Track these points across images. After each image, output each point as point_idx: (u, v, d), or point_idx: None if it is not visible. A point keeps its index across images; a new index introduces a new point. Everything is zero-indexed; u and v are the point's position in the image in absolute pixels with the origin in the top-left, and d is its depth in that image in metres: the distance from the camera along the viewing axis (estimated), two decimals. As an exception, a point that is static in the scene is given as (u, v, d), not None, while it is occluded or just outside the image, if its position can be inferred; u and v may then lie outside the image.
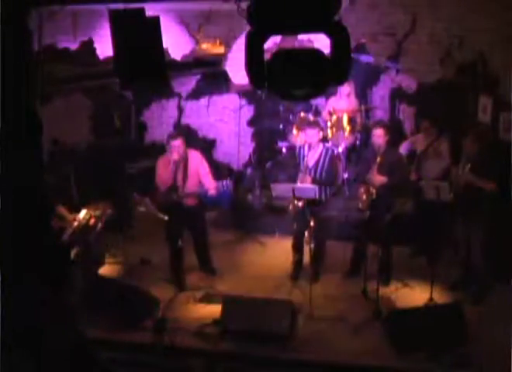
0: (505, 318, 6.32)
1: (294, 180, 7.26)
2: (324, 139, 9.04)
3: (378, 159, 7.07)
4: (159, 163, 7.45)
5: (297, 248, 7.58)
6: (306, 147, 7.32)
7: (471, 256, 6.97)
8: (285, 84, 4.36)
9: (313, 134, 7.23)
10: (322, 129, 7.72)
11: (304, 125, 7.39)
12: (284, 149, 9.24)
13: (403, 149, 7.95)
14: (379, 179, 7.07)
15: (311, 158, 7.28)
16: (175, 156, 7.19)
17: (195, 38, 8.79)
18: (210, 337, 6.47)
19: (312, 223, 7.12)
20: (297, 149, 7.44)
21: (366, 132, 9.00)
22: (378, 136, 7.14)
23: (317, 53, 4.31)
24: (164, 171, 7.36)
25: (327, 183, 7.23)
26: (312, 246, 7.23)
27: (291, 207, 7.32)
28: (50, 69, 7.53)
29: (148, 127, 9.69)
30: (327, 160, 7.27)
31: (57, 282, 4.73)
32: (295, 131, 9.05)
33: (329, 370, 6.15)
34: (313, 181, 7.16)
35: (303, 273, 7.50)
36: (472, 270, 7.02)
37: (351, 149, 9.04)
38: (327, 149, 7.39)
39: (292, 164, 7.39)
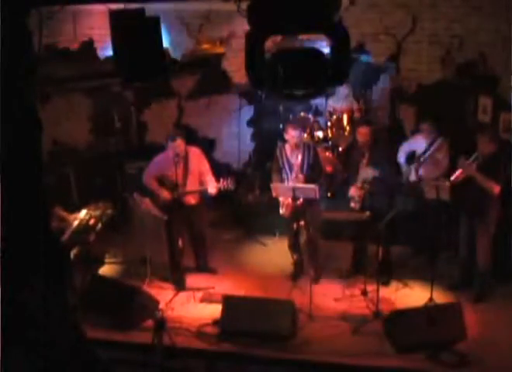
0: (505, 318, 6.33)
1: (286, 181, 7.27)
2: (324, 139, 9.09)
3: (368, 154, 7.08)
4: (159, 162, 7.45)
5: (293, 248, 7.58)
6: (288, 147, 7.31)
7: (472, 256, 6.96)
8: (285, 83, 4.35)
9: (295, 134, 7.19)
10: (304, 130, 7.76)
11: (287, 125, 7.37)
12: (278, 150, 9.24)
13: (403, 151, 7.93)
14: (371, 172, 7.06)
15: (295, 157, 7.27)
16: (176, 154, 7.18)
17: (195, 38, 8.79)
18: (210, 337, 6.47)
19: (308, 223, 7.13)
20: (278, 151, 7.41)
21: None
22: (363, 133, 7.16)
23: (317, 52, 4.31)
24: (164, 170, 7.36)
25: (315, 180, 7.20)
26: (309, 245, 7.26)
27: (283, 210, 7.31)
28: (50, 69, 7.53)
29: (148, 127, 9.68)
30: (311, 157, 7.27)
31: (57, 282, 4.73)
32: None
33: (329, 370, 6.16)
34: (305, 180, 7.15)
35: (303, 273, 7.50)
36: (473, 270, 7.02)
37: (350, 149, 9.03)
38: (309, 147, 7.38)
39: (278, 165, 7.38)
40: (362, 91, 9.27)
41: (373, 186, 7.04)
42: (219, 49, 8.92)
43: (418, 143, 7.87)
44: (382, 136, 8.64)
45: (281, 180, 7.29)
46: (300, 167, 7.22)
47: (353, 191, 7.15)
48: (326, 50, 4.35)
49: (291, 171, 7.26)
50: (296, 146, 7.21)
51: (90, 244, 7.39)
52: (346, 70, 4.39)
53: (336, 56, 4.26)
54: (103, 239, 7.98)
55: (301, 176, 7.18)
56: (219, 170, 9.33)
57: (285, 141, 7.36)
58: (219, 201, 9.14)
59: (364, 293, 7.03)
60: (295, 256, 7.59)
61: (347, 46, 4.33)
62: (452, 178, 6.69)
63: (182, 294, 7.24)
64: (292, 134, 7.17)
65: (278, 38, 4.90)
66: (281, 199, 7.30)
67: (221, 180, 7.18)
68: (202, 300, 7.18)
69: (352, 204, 7.15)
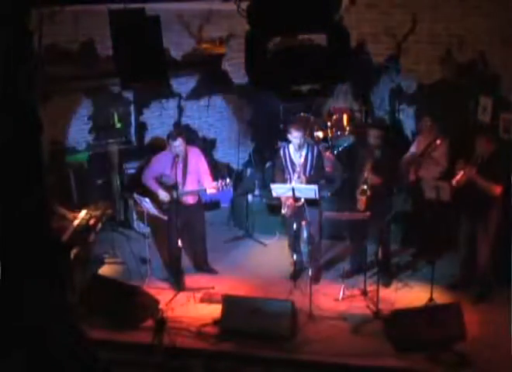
0: (505, 318, 6.32)
1: (288, 181, 7.28)
2: (324, 139, 9.09)
3: (373, 159, 7.09)
4: (159, 162, 7.45)
5: (293, 248, 7.58)
6: (292, 148, 7.31)
7: (472, 257, 6.96)
8: (285, 83, 4.36)
9: (298, 135, 7.19)
10: (306, 130, 7.77)
11: (290, 126, 7.37)
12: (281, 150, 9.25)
13: (412, 151, 7.91)
14: (374, 179, 7.08)
15: (299, 158, 7.27)
16: (176, 155, 7.18)
17: (195, 38, 8.79)
18: (210, 337, 6.47)
19: (309, 223, 7.13)
20: (281, 151, 7.43)
21: (366, 132, 9.00)
22: (375, 136, 7.17)
23: (320, 48, 4.31)
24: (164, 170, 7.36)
25: (317, 180, 7.21)
26: (309, 245, 7.26)
27: (285, 210, 7.32)
28: (50, 69, 7.52)
29: (148, 127, 9.68)
30: (315, 158, 7.27)
31: (56, 282, 4.73)
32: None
33: (329, 370, 6.15)
34: (307, 181, 7.15)
35: (303, 273, 7.50)
36: (474, 271, 7.02)
37: (350, 149, 9.04)
38: (313, 148, 7.39)
39: (281, 165, 7.39)
40: (362, 92, 9.27)
41: (376, 190, 7.05)
42: (219, 49, 8.92)
43: (419, 143, 7.86)
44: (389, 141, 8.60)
45: (284, 181, 7.29)
46: (303, 167, 7.23)
47: (359, 192, 7.14)
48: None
49: (293, 171, 7.26)
50: (300, 147, 7.22)
51: (90, 244, 7.38)
52: (346, 70, 4.39)
53: (336, 56, 4.26)
54: (103, 239, 8.00)
55: (303, 177, 7.18)
56: (219, 170, 9.35)
57: (288, 141, 7.36)
58: (219, 200, 9.19)
59: (365, 293, 7.03)
60: (295, 256, 7.58)
61: (348, 46, 4.33)
62: (454, 183, 6.69)
63: (182, 295, 7.23)
64: (295, 135, 7.18)
65: (278, 38, 4.92)
66: (283, 199, 7.30)
67: (219, 180, 7.18)
68: (202, 300, 7.18)
69: (358, 206, 7.14)
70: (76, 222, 7.23)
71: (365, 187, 7.07)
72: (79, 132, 9.16)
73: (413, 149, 7.89)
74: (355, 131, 9.15)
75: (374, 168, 7.08)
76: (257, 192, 9.16)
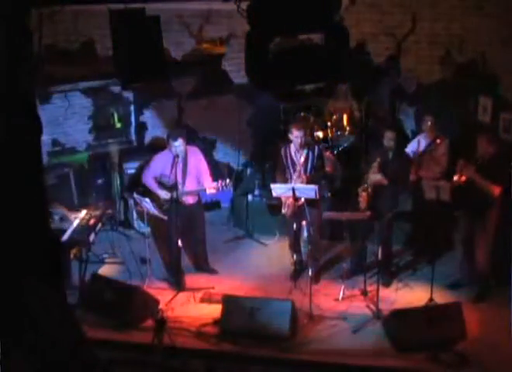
0: (505, 318, 6.32)
1: (288, 180, 7.28)
2: (324, 139, 9.09)
3: (380, 159, 7.08)
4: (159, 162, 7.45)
5: (293, 248, 7.59)
6: (293, 147, 7.32)
7: (472, 256, 6.97)
8: (286, 83, 4.36)
9: (299, 134, 7.19)
10: (307, 130, 7.79)
11: (291, 126, 7.36)
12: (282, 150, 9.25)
13: (410, 149, 7.90)
14: (381, 180, 7.07)
15: (300, 158, 7.28)
16: (176, 154, 7.18)
17: (195, 38, 8.79)
18: (210, 337, 6.47)
19: (309, 223, 7.13)
20: (282, 150, 7.43)
21: (366, 132, 9.00)
22: (389, 138, 7.13)
23: (318, 48, 4.32)
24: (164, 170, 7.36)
25: (318, 180, 7.22)
26: (309, 245, 7.26)
27: (285, 209, 7.33)
28: (50, 69, 7.53)
29: (148, 127, 9.68)
30: (315, 157, 7.27)
31: (56, 282, 4.73)
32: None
33: (329, 370, 6.15)
34: (308, 180, 7.16)
35: (303, 273, 7.50)
36: (473, 270, 7.02)
37: (350, 149, 9.03)
38: (313, 147, 7.38)
39: (282, 165, 7.40)
40: (362, 91, 9.26)
41: (380, 190, 7.04)
42: (219, 49, 8.92)
43: (420, 143, 7.85)
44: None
45: (285, 180, 7.29)
46: (304, 167, 7.23)
47: (361, 191, 7.14)
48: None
49: (294, 171, 7.27)
50: (301, 146, 7.22)
51: (90, 244, 7.38)
52: (345, 69, 4.40)
53: (336, 56, 4.27)
54: (103, 239, 7.99)
55: (304, 176, 7.19)
56: (219, 170, 9.35)
57: (289, 141, 7.36)
58: (218, 201, 9.18)
59: (365, 293, 7.03)
60: (295, 256, 7.59)
61: (347, 45, 4.34)
62: (454, 180, 6.69)
63: (182, 295, 7.23)
64: (296, 134, 7.18)
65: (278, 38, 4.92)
66: (283, 199, 7.31)
67: (219, 180, 7.18)
68: (202, 300, 7.18)
69: (360, 205, 7.14)
70: (76, 222, 7.23)
71: (366, 185, 7.07)
72: (79, 132, 9.17)
73: (411, 148, 7.89)
74: (355, 131, 9.15)
75: (382, 168, 7.06)
76: (257, 192, 9.16)
